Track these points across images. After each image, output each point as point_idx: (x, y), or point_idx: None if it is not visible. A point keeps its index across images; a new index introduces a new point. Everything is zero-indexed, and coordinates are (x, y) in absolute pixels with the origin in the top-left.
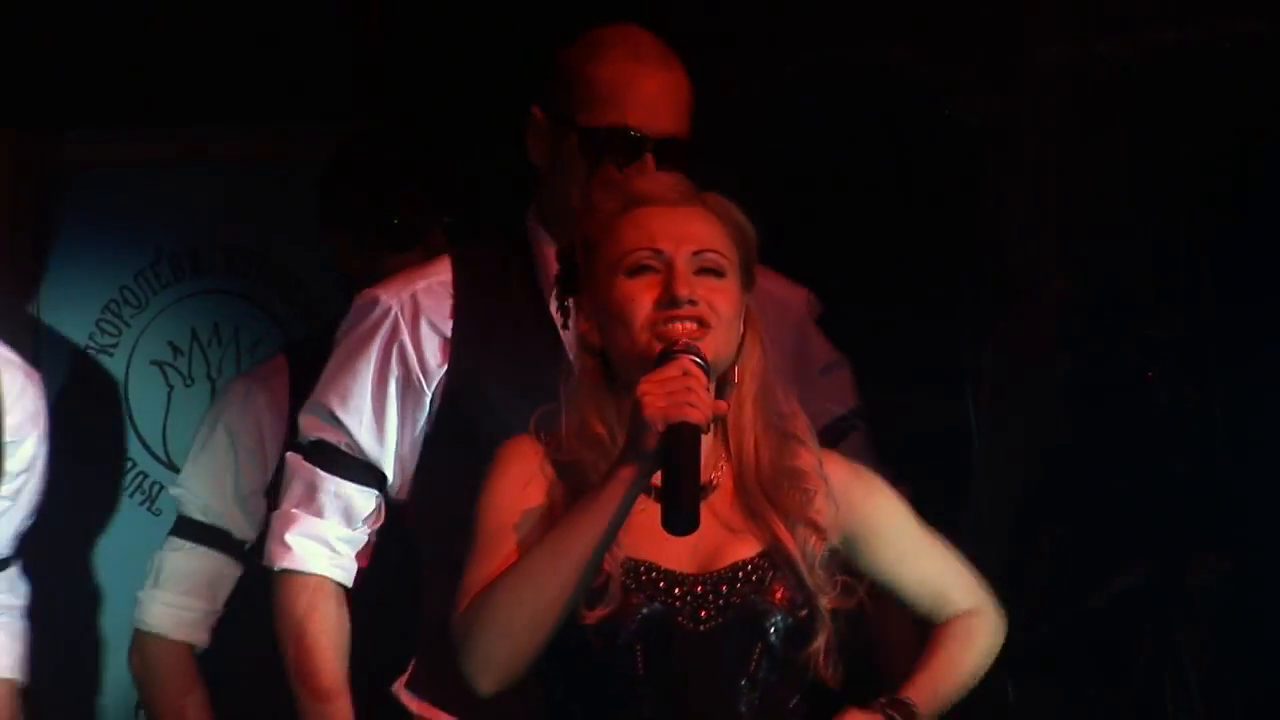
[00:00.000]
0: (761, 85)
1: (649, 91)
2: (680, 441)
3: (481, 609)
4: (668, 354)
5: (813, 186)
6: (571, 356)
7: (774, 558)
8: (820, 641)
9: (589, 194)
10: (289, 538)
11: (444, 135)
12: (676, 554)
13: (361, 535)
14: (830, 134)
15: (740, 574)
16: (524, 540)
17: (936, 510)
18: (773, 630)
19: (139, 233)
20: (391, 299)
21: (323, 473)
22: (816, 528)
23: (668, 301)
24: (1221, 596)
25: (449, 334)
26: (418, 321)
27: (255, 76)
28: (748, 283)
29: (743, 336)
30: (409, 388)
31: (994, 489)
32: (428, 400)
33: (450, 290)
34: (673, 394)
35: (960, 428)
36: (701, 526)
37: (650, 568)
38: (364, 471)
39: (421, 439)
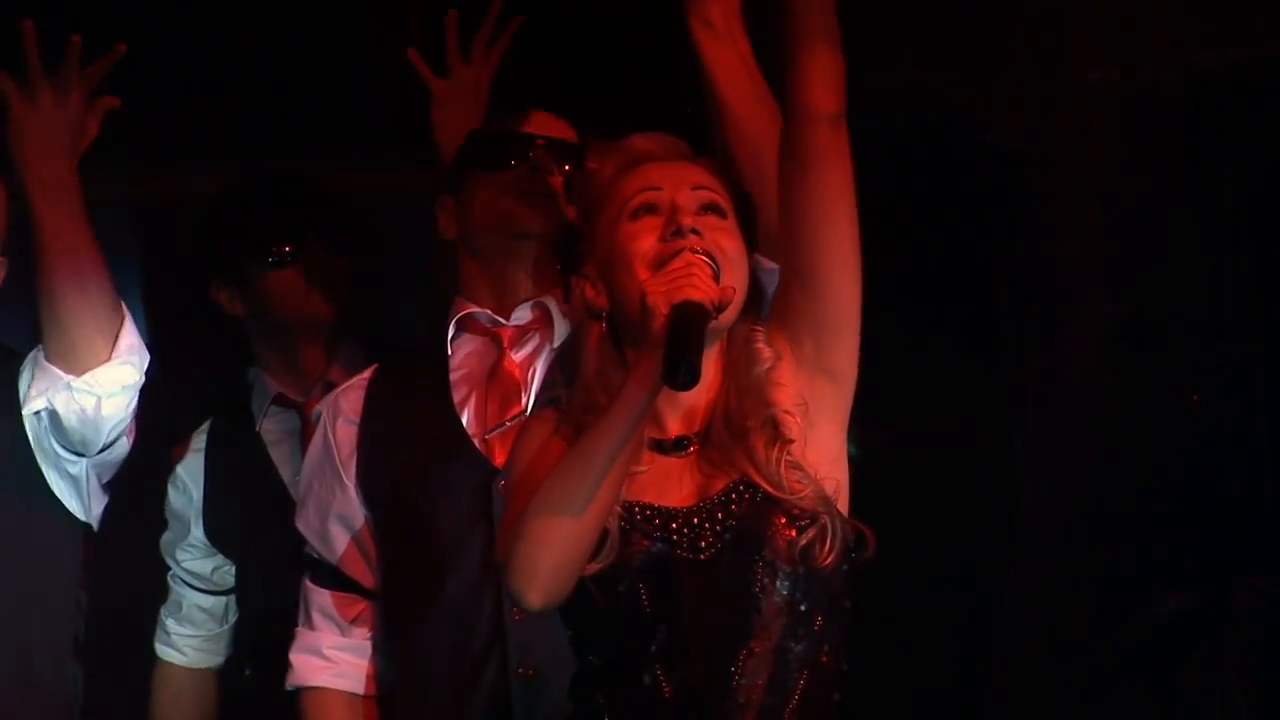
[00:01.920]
0: None
1: (539, 115)
2: (683, 316)
3: (519, 524)
4: (673, 256)
5: (863, 212)
6: (478, 444)
7: (750, 481)
8: (821, 545)
9: (497, 199)
10: (291, 656)
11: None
12: (669, 493)
13: (358, 641)
14: (868, 161)
15: (732, 496)
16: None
17: (983, 537)
18: (769, 544)
19: None
20: (322, 406)
21: (309, 583)
22: (781, 442)
23: (672, 232)
24: (1270, 620)
25: (358, 427)
26: (336, 420)
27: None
28: (749, 239)
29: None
30: (339, 484)
31: (1040, 516)
32: (353, 493)
33: (365, 387)
34: (675, 279)
35: (1004, 455)
36: (686, 469)
37: (645, 507)
38: (334, 575)
39: (372, 533)
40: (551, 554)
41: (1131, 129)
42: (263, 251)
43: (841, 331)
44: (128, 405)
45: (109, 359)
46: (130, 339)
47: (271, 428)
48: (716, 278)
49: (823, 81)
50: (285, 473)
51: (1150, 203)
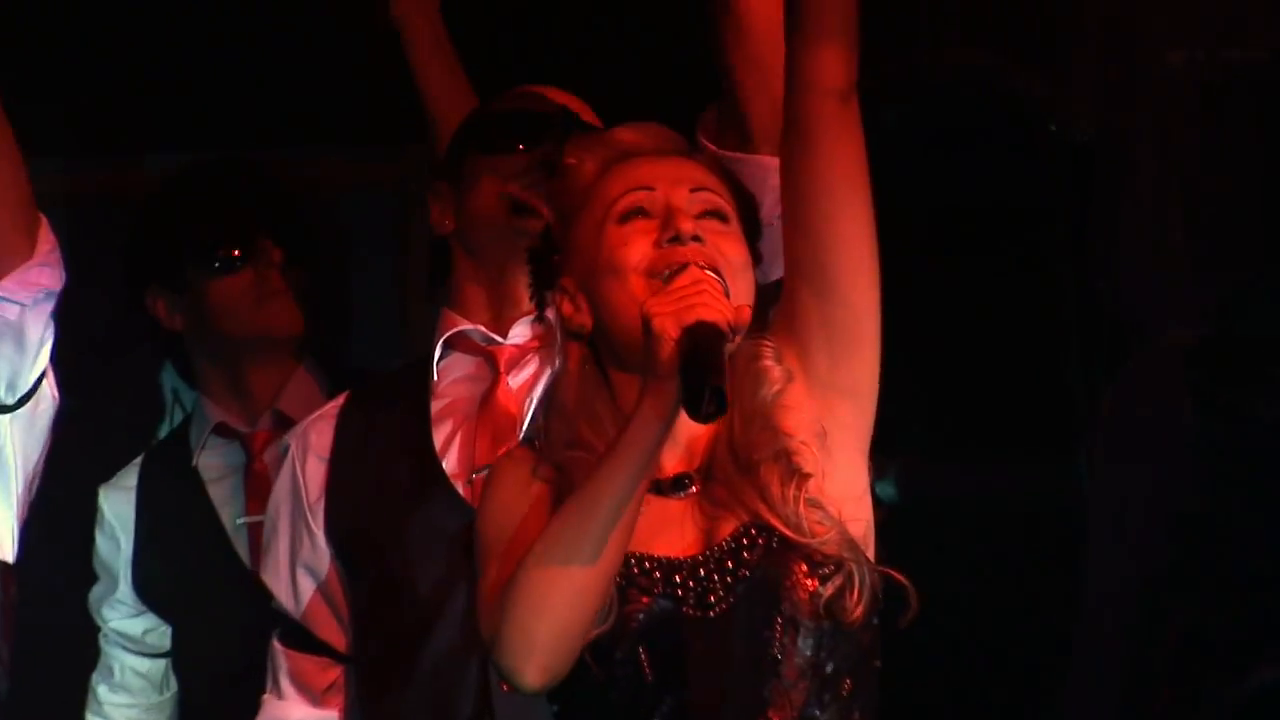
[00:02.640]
0: None
1: (535, 90)
2: (699, 339)
3: (509, 594)
4: (677, 271)
5: (890, 216)
6: (461, 487)
7: (763, 523)
8: (849, 596)
9: (510, 192)
10: None
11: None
12: (670, 540)
13: (332, 713)
14: (910, 154)
15: (743, 542)
16: (534, 539)
17: (1048, 593)
18: (788, 597)
19: None
20: (291, 439)
21: (277, 644)
22: (798, 478)
23: (670, 237)
24: None
25: (328, 464)
26: (306, 456)
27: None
28: (755, 252)
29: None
30: (307, 530)
31: (1113, 567)
32: (321, 542)
33: (336, 417)
34: (684, 297)
35: (1072, 498)
36: (687, 512)
37: (642, 558)
38: (304, 637)
39: (343, 589)
40: (551, 624)
41: (1215, 120)
42: (207, 254)
43: (859, 343)
44: (48, 326)
45: (30, 257)
46: (50, 239)
47: (211, 462)
48: (727, 294)
49: (832, 49)
50: (225, 515)
51: (1239, 205)
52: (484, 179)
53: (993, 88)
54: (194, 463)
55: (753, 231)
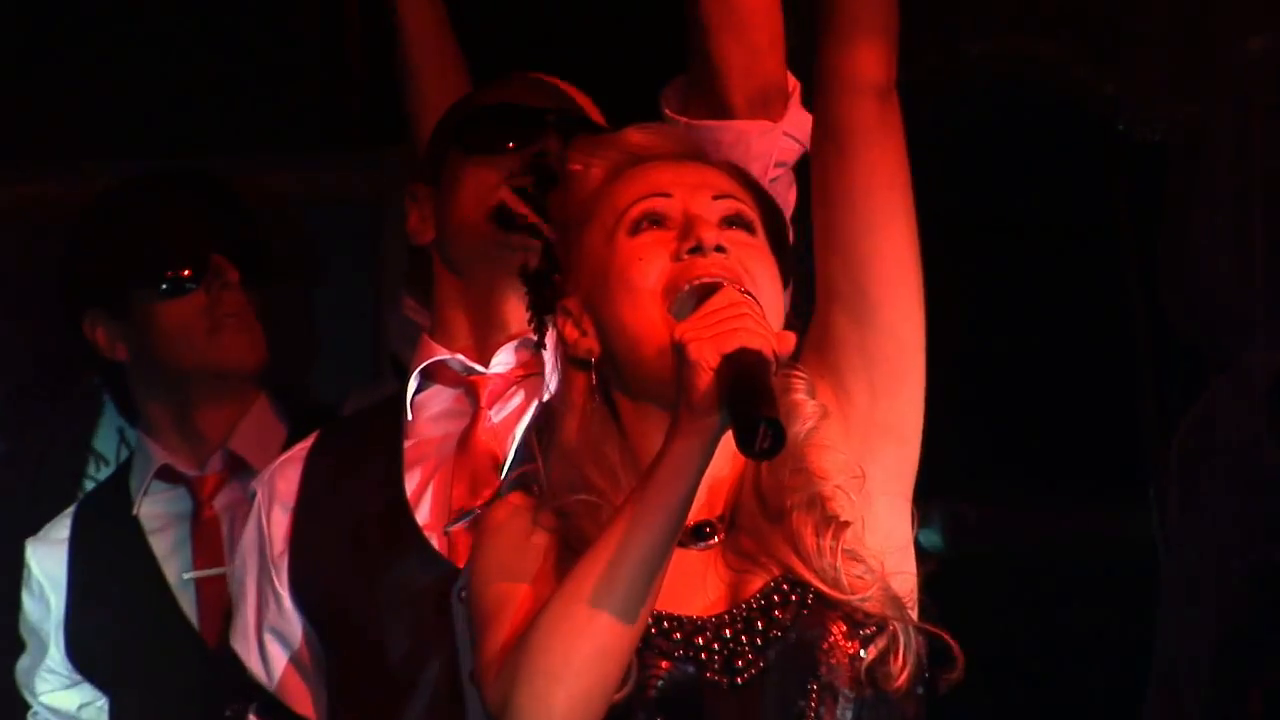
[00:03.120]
0: None
1: (530, 79)
2: (743, 369)
3: (522, 659)
4: (707, 292)
5: (932, 227)
6: (435, 539)
7: (796, 578)
8: (893, 660)
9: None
10: None
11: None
12: (692, 597)
13: None
14: (955, 156)
15: (774, 599)
16: (543, 597)
17: (1114, 655)
18: (825, 661)
19: None
20: (258, 486)
21: (253, 718)
22: (835, 527)
23: (690, 248)
24: None
25: (292, 514)
26: (272, 504)
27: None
28: (784, 268)
29: None
30: (272, 589)
31: (1189, 621)
32: (288, 602)
33: (303, 461)
34: (721, 321)
35: (1142, 545)
36: (710, 565)
37: (662, 617)
38: (277, 709)
39: (313, 655)
40: (571, 691)
41: None
42: (153, 275)
43: (902, 375)
44: None
45: None
46: None
47: (154, 510)
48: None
49: (869, 43)
50: (170, 571)
51: None
52: (468, 183)
53: (1050, 81)
54: (135, 511)
55: (781, 246)
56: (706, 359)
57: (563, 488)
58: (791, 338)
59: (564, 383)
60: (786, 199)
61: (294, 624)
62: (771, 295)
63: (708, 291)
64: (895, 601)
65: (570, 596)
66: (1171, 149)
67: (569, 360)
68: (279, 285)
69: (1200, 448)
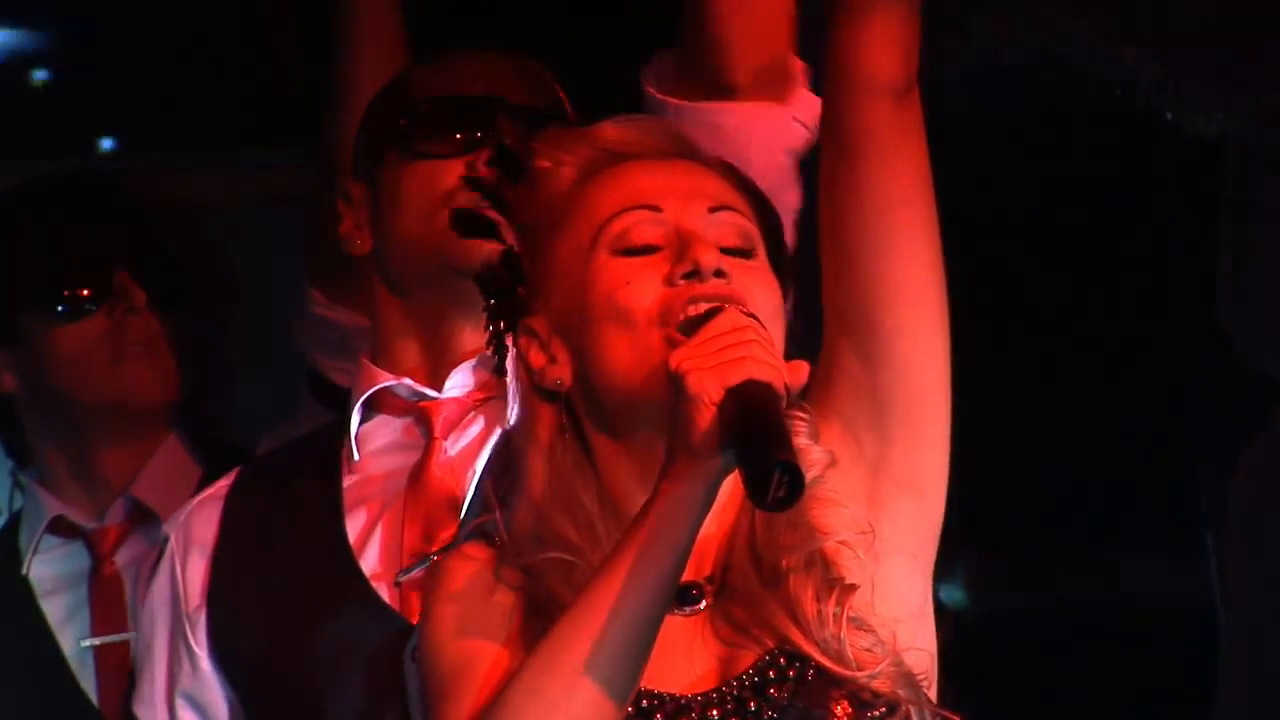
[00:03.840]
0: None
1: (481, 61)
2: (750, 405)
3: None
4: (707, 316)
5: (953, 235)
6: (384, 592)
7: (795, 650)
8: None
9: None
10: None
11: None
12: (676, 671)
13: None
14: (993, 148)
15: (769, 674)
16: (508, 666)
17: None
18: None
19: None
20: (171, 529)
21: None
22: (839, 590)
23: (686, 272)
24: None
25: (210, 562)
26: (188, 552)
27: None
28: (783, 281)
29: None
30: (186, 649)
31: (1254, 693)
32: (205, 664)
33: (223, 501)
34: (725, 350)
35: (1198, 602)
36: (697, 634)
37: (643, 694)
38: None
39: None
40: None
41: None
42: (47, 295)
43: (922, 421)
44: None
45: None
46: None
47: (46, 570)
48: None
49: (888, 36)
50: (66, 638)
51: None
52: (410, 191)
53: (1089, 67)
54: (24, 571)
55: (779, 257)
56: (708, 392)
57: (529, 541)
58: (804, 367)
59: (527, 417)
60: (786, 200)
61: (213, 690)
62: (775, 319)
63: (707, 313)
64: (908, 679)
65: (544, 668)
66: (1230, 144)
67: (534, 390)
68: (191, 307)
69: (1266, 487)
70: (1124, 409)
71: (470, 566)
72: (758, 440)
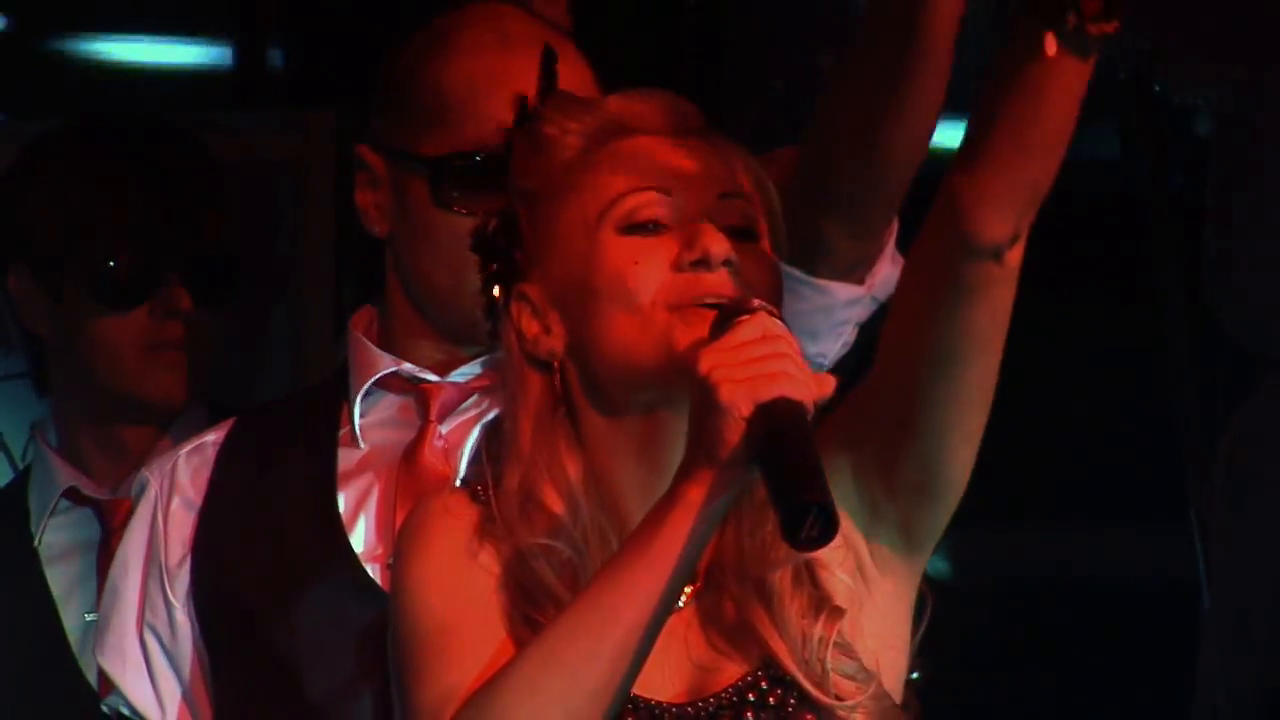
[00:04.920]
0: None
1: (529, 93)
2: (783, 428)
3: (476, 713)
4: (733, 313)
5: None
6: (374, 570)
7: (777, 672)
8: None
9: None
10: None
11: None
12: (652, 675)
13: None
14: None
15: (749, 697)
16: (494, 633)
17: (1151, 697)
18: None
19: None
20: (153, 474)
21: None
22: (827, 612)
23: (698, 259)
24: None
25: (198, 517)
26: (170, 500)
27: None
28: (782, 260)
29: None
30: (164, 601)
31: (1237, 666)
32: (183, 618)
33: (214, 455)
34: (758, 361)
35: (1181, 574)
36: (679, 636)
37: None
38: None
39: (209, 688)
40: None
41: None
42: (94, 280)
43: (939, 499)
44: None
45: None
46: None
47: (55, 537)
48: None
49: (1010, 204)
50: (70, 610)
51: None
52: (439, 237)
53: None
54: (35, 543)
55: (779, 240)
56: (739, 406)
57: (511, 506)
58: (831, 381)
59: (518, 384)
60: (823, 349)
61: (185, 641)
62: (777, 302)
63: (735, 313)
64: (890, 713)
65: (544, 660)
66: (1217, 116)
67: (524, 356)
68: (234, 303)
69: (1250, 461)
70: (1107, 383)
71: (454, 523)
72: (791, 474)
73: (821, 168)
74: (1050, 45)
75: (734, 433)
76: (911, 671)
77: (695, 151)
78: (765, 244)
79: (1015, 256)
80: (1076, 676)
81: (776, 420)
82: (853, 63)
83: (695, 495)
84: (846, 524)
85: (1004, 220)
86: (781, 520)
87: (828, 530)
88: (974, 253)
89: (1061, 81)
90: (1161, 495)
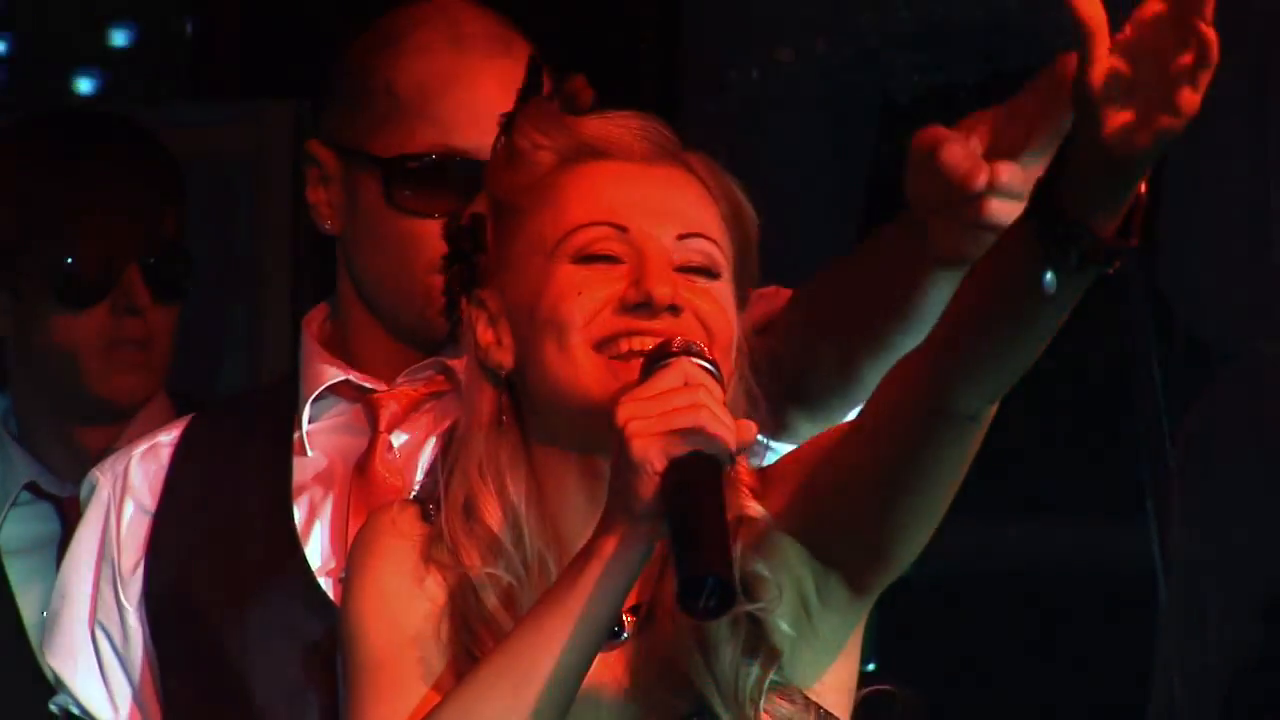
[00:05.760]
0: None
1: (482, 93)
2: (692, 482)
3: None
4: (658, 358)
5: (887, 199)
6: (325, 581)
7: (714, 713)
8: None
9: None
10: None
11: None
12: (582, 710)
13: None
14: (940, 114)
15: None
16: (434, 665)
17: (1109, 687)
18: None
19: None
20: (105, 474)
21: None
22: (764, 655)
23: (638, 303)
24: None
25: (153, 520)
26: (124, 500)
27: None
28: (742, 299)
29: None
30: (116, 605)
31: (1194, 656)
32: (135, 622)
33: (168, 457)
34: (674, 413)
35: (1138, 564)
36: (617, 673)
37: None
38: None
39: (160, 694)
40: None
41: None
42: (55, 277)
43: (889, 569)
44: None
45: None
46: None
47: (14, 529)
48: (724, 387)
49: (986, 378)
50: (28, 604)
51: None
52: (393, 239)
53: (1019, 28)
54: None
55: (743, 291)
56: (652, 461)
57: (457, 523)
58: (752, 428)
59: (472, 389)
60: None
61: (137, 646)
62: (724, 347)
63: (657, 359)
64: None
65: (464, 712)
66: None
67: (478, 364)
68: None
69: (1207, 452)
70: (1065, 374)
71: (401, 544)
72: (692, 543)
73: (804, 359)
74: (1051, 285)
75: (647, 488)
76: (869, 683)
77: (664, 183)
78: (725, 280)
79: (992, 410)
80: (1038, 667)
81: (687, 476)
82: (845, 293)
83: (611, 548)
84: (796, 555)
85: (986, 395)
86: (679, 590)
87: (724, 604)
88: (952, 418)
89: (1057, 303)
90: (1120, 487)
